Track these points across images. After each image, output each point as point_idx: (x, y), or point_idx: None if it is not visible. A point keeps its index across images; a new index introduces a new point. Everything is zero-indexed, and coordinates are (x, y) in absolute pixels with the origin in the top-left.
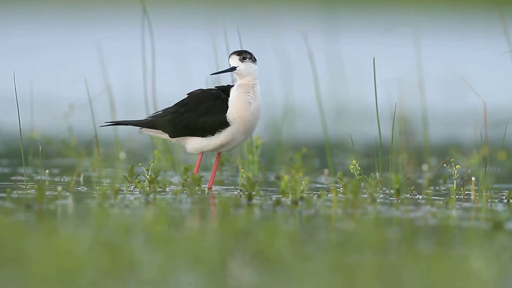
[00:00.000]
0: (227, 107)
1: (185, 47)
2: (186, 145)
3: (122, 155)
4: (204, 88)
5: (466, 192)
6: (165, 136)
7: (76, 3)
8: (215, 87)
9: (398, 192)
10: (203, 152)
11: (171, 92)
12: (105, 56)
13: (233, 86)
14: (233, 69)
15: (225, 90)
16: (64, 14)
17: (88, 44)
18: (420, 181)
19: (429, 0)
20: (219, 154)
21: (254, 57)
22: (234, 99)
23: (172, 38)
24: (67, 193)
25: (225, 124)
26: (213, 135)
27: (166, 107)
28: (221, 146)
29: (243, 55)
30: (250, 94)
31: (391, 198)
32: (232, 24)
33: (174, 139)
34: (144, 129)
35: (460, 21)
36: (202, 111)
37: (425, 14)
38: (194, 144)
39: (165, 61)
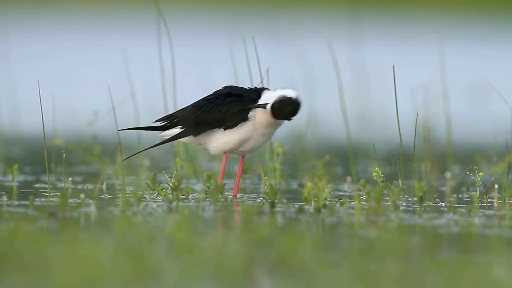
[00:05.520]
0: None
1: (205, 54)
2: (208, 145)
3: (145, 162)
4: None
5: (489, 200)
6: (186, 138)
7: (97, 10)
8: (254, 87)
9: (421, 199)
10: (227, 155)
11: (193, 99)
12: (127, 63)
13: (267, 89)
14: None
15: (258, 92)
16: (84, 21)
17: (108, 51)
18: (443, 188)
19: (453, 7)
20: (242, 159)
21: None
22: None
23: (192, 45)
24: (90, 201)
25: (245, 117)
26: (231, 126)
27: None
28: (241, 143)
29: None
30: None
31: (414, 206)
32: (254, 32)
33: (195, 140)
34: (163, 132)
35: (484, 28)
36: (226, 102)
37: (449, 21)
38: (216, 142)
39: (185, 69)
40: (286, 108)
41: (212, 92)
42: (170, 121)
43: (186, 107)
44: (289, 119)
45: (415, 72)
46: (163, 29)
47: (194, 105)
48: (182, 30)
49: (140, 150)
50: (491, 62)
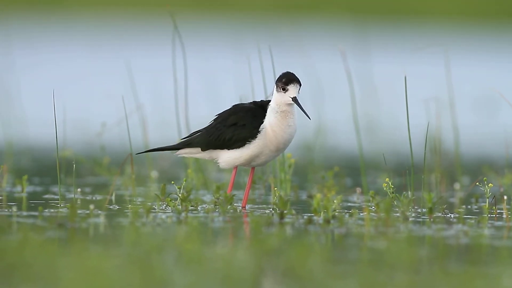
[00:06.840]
0: (262, 122)
1: (215, 66)
2: (219, 159)
3: (155, 173)
4: (242, 103)
5: (498, 211)
6: (199, 154)
7: (107, 21)
8: (253, 102)
9: (430, 210)
10: (236, 168)
11: (203, 111)
12: (136, 74)
13: (269, 101)
14: (295, 100)
15: (262, 106)
16: (94, 32)
17: (116, 62)
18: (453, 200)
19: (460, 19)
20: (252, 170)
21: None
22: (273, 121)
23: (199, 55)
24: (99, 212)
25: (254, 136)
26: (243, 146)
27: (198, 128)
28: (252, 158)
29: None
30: (290, 117)
31: (423, 217)
32: (263, 43)
33: (207, 155)
34: (178, 151)
35: (491, 39)
36: (233, 121)
37: (456, 33)
38: (226, 157)
39: (195, 80)
40: None
41: (225, 109)
42: (186, 142)
43: (201, 132)
44: None
45: (422, 83)
46: (170, 38)
47: (207, 129)
48: (189, 40)
49: (151, 150)
50: (498, 73)
